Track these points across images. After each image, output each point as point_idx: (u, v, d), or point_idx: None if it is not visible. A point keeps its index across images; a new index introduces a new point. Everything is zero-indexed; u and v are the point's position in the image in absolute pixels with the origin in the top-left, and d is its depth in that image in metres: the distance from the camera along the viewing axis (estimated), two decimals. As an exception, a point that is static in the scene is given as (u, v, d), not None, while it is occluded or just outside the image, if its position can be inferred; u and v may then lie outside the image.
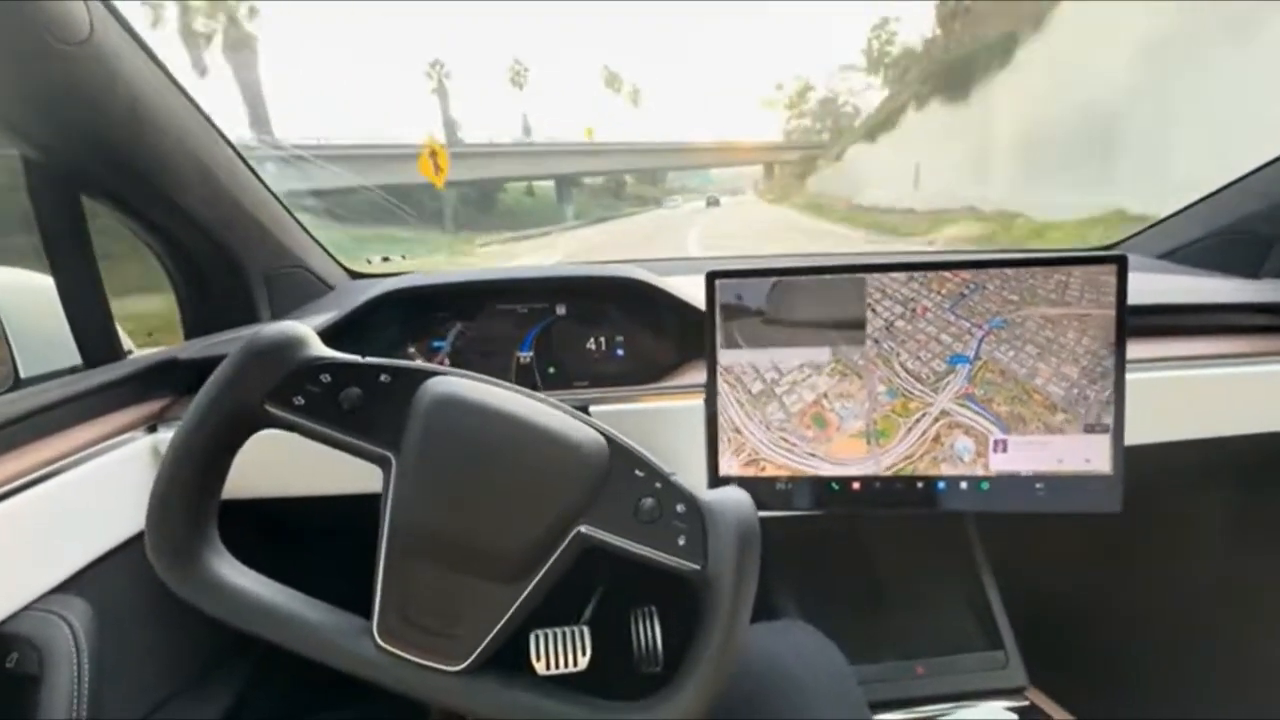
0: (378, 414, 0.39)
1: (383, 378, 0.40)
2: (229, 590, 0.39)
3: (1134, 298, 0.59)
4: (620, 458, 0.39)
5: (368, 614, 0.39)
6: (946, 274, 0.61)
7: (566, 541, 0.38)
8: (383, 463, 0.39)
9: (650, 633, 1.02)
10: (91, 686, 0.54)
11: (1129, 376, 0.59)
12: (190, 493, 0.39)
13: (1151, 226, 1.05)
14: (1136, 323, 0.62)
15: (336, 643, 0.38)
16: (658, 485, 0.39)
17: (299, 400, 0.39)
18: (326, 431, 0.39)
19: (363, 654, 0.38)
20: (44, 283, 0.73)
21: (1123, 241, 1.09)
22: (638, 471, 0.39)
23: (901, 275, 0.62)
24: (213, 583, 0.39)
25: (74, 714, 0.52)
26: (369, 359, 0.40)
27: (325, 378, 0.39)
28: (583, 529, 0.38)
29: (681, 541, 0.38)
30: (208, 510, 0.40)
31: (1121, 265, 0.58)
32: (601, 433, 0.40)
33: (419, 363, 0.41)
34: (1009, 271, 0.60)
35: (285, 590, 0.40)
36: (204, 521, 0.40)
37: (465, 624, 0.38)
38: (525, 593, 0.38)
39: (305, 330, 0.41)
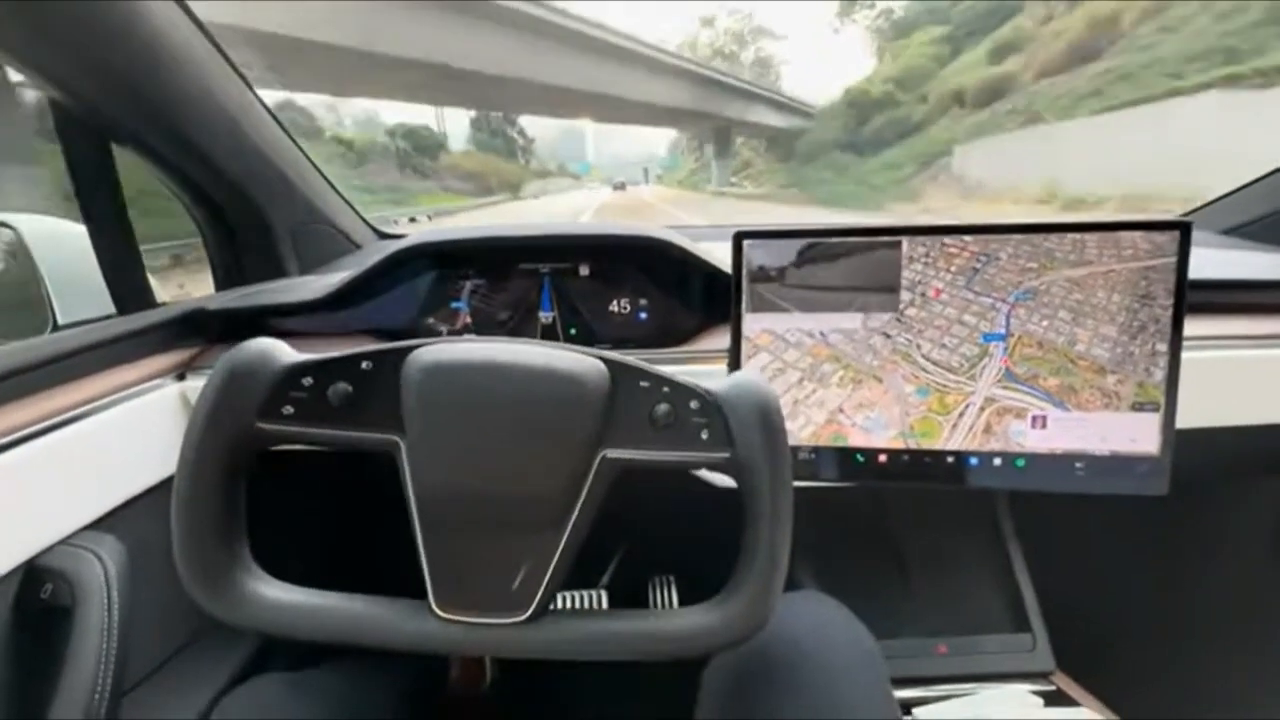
0: (371, 402, 0.38)
1: (364, 365, 0.39)
2: (278, 608, 0.39)
3: (1195, 272, 0.55)
4: (621, 374, 0.39)
5: (402, 569, 0.39)
6: (953, 250, 0.57)
7: (594, 470, 0.38)
8: (392, 448, 0.38)
9: (668, 600, 1.02)
10: (121, 622, 0.56)
11: (1185, 355, 0.55)
12: (212, 525, 0.38)
13: (1216, 200, 0.98)
14: (1196, 299, 0.58)
15: (397, 627, 0.39)
16: (666, 389, 0.39)
17: (288, 410, 0.38)
18: (326, 433, 0.39)
19: (426, 629, 0.38)
20: (79, 231, 0.74)
21: (1186, 215, 1.03)
22: (642, 383, 0.39)
23: (903, 259, 0.58)
24: (262, 605, 0.39)
25: (104, 647, 0.54)
26: (344, 351, 0.39)
27: (307, 380, 0.38)
28: (607, 454, 0.38)
29: (704, 436, 0.38)
30: (235, 536, 0.40)
31: (1185, 232, 0.54)
32: (596, 356, 0.39)
33: (396, 342, 0.40)
34: (1017, 238, 0.56)
35: (328, 594, 0.40)
36: (235, 548, 0.40)
37: (520, 575, 0.38)
38: (569, 530, 0.38)
39: (273, 341, 0.40)
